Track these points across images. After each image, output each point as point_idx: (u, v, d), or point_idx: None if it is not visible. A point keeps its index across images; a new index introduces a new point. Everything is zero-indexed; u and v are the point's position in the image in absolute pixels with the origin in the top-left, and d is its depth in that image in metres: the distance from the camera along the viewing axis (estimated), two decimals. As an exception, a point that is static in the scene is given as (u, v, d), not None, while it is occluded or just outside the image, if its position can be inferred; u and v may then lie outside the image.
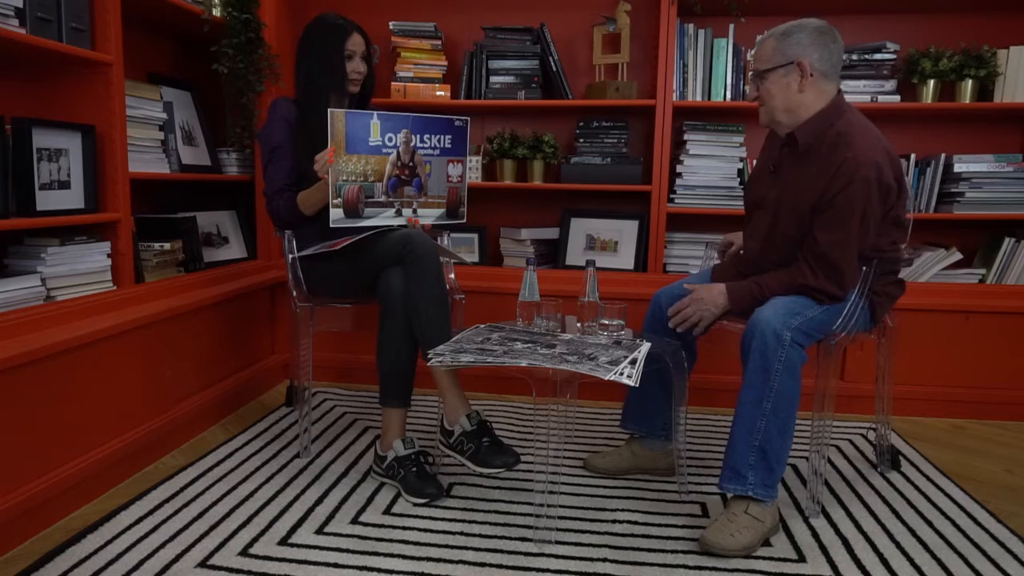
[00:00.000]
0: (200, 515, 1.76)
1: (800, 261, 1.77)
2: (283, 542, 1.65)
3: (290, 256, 2.08)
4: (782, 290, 1.76)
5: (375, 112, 1.93)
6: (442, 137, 2.02)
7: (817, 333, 1.74)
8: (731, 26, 2.69)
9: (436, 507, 1.84)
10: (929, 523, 1.81)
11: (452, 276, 2.30)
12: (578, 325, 1.89)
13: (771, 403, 1.66)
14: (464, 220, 2.13)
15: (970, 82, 2.61)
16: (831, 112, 1.76)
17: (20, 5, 1.73)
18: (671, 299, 1.99)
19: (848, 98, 2.62)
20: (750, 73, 1.99)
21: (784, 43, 1.75)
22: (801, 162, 1.80)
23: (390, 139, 1.94)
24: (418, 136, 1.98)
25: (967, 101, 2.63)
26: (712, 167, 2.74)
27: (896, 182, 1.75)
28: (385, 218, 1.97)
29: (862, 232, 1.72)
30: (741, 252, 2.03)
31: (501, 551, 1.63)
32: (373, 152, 1.92)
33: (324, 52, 2.04)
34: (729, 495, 1.75)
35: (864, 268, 1.78)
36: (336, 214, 1.89)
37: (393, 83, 2.81)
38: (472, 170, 2.84)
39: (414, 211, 2.01)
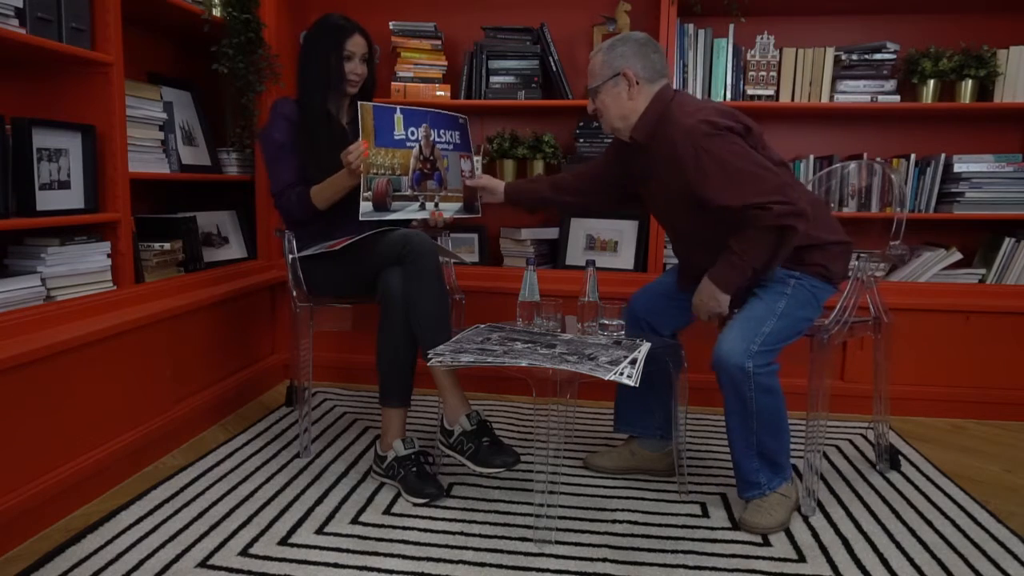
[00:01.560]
0: (200, 515, 1.76)
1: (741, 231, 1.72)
2: (283, 542, 1.65)
3: (290, 256, 2.08)
4: (756, 247, 1.70)
5: (398, 107, 1.96)
6: (453, 133, 2.06)
7: (783, 341, 1.74)
8: (731, 26, 2.69)
9: (436, 507, 1.84)
10: (929, 523, 1.81)
11: (452, 276, 2.30)
12: (578, 325, 1.89)
13: (756, 421, 1.72)
14: (480, 214, 2.15)
15: (970, 82, 2.61)
16: (656, 103, 1.81)
17: (20, 5, 1.73)
18: (646, 301, 2.03)
19: (848, 98, 2.66)
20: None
21: (609, 56, 1.82)
22: (651, 159, 1.84)
23: (412, 133, 1.97)
24: (435, 131, 2.01)
25: (967, 101, 2.63)
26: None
27: (736, 123, 1.71)
28: (410, 212, 1.98)
29: (755, 165, 1.68)
30: None
31: (501, 551, 1.63)
32: (398, 146, 1.94)
33: (323, 52, 2.04)
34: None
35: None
36: (366, 207, 1.89)
37: (393, 83, 2.81)
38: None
39: (436, 205, 2.02)
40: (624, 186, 2.04)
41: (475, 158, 2.11)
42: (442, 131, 2.03)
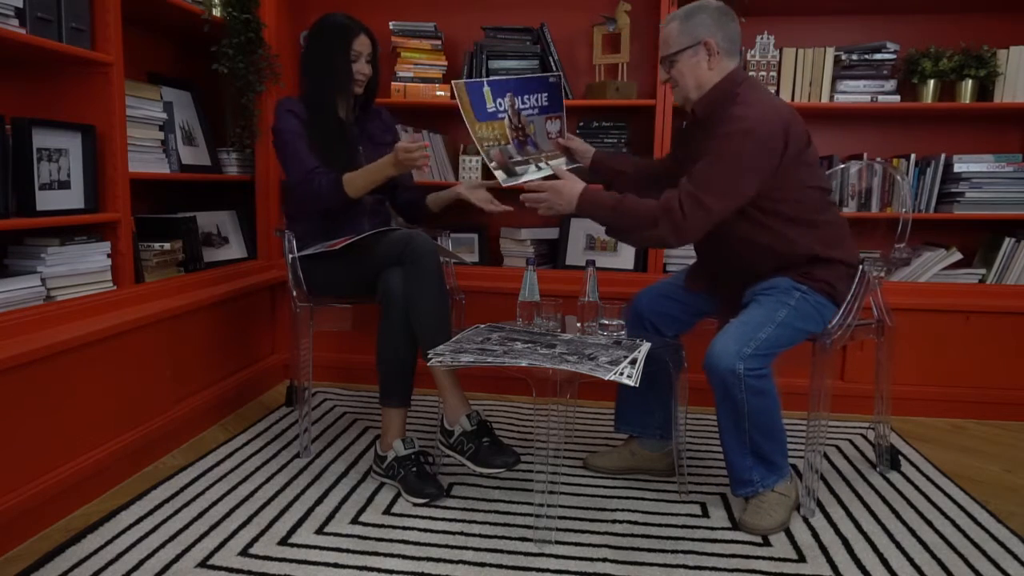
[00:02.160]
0: (200, 515, 1.76)
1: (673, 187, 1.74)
2: (283, 542, 1.65)
3: (290, 256, 2.08)
4: (636, 206, 1.73)
5: (484, 80, 1.95)
6: (539, 96, 2.01)
7: (776, 348, 1.73)
8: (731, 26, 2.69)
9: (436, 507, 1.84)
10: (929, 523, 1.81)
11: (452, 276, 2.30)
12: (578, 325, 1.89)
13: (748, 422, 1.70)
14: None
15: (970, 82, 2.61)
16: (726, 82, 1.80)
17: (20, 5, 1.73)
18: (650, 301, 2.02)
19: (848, 98, 2.66)
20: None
21: (688, 25, 1.78)
22: (701, 132, 1.83)
23: (500, 104, 1.96)
24: (519, 98, 1.99)
25: (967, 101, 2.63)
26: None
27: (783, 140, 1.70)
28: (533, 173, 1.98)
29: (727, 182, 1.68)
30: None
31: (501, 551, 1.63)
32: (492, 118, 1.94)
33: (330, 53, 2.03)
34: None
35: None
36: (501, 175, 1.92)
37: (393, 83, 2.81)
38: (472, 170, 2.85)
39: (547, 163, 2.02)
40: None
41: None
42: (526, 96, 2.00)
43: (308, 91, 2.08)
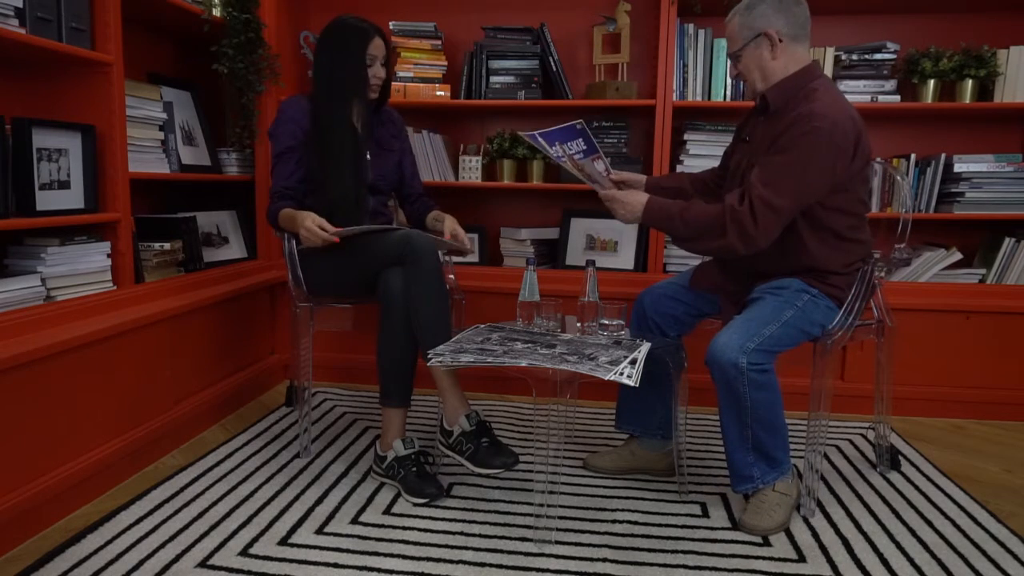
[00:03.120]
0: (200, 515, 1.76)
1: (736, 191, 1.73)
2: (283, 542, 1.65)
3: (290, 256, 2.08)
4: (699, 216, 1.72)
5: (535, 133, 1.90)
6: (577, 142, 1.99)
7: (779, 347, 1.72)
8: (731, 26, 2.69)
9: (436, 507, 1.84)
10: (929, 523, 1.81)
11: (452, 276, 2.30)
12: (578, 325, 1.89)
13: (750, 416, 1.70)
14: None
15: (970, 82, 2.61)
16: (802, 76, 1.79)
17: (20, 5, 1.73)
18: (654, 300, 2.02)
19: (848, 98, 2.65)
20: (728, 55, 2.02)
21: (749, 18, 1.78)
22: (770, 124, 1.81)
23: (556, 152, 1.93)
24: (563, 145, 1.96)
25: (967, 101, 2.63)
26: (712, 167, 2.73)
27: (854, 148, 1.71)
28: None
29: (799, 182, 1.67)
30: None
31: (501, 551, 1.63)
32: (560, 161, 1.92)
33: (346, 57, 2.00)
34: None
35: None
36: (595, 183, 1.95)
37: (393, 83, 2.81)
38: (472, 170, 2.85)
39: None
40: None
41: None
42: (569, 143, 1.98)
43: (318, 95, 2.05)
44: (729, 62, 1.88)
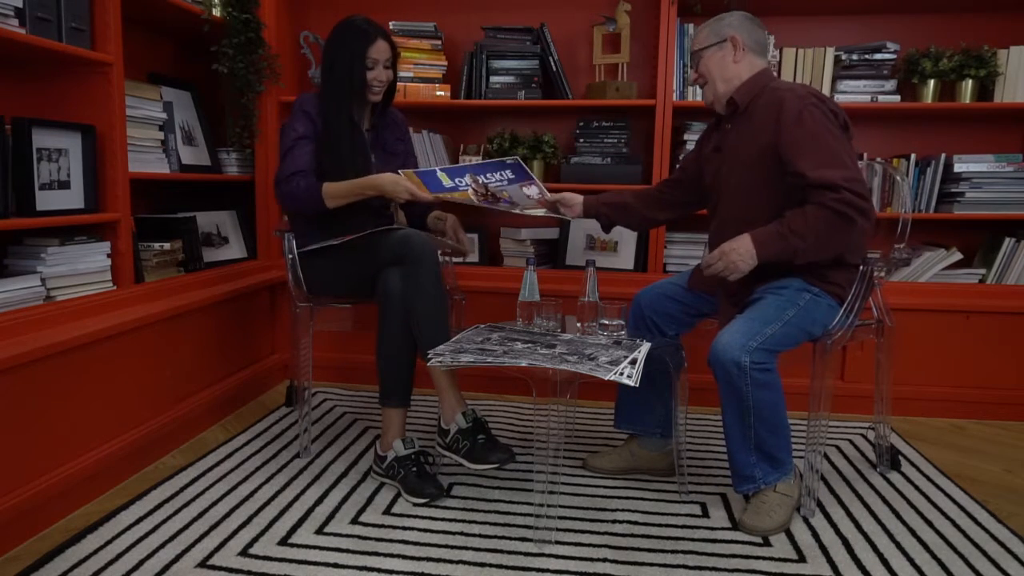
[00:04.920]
0: (200, 515, 1.76)
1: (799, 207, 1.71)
2: (283, 542, 1.65)
3: (290, 256, 2.08)
4: (810, 227, 1.66)
5: (437, 168, 2.02)
6: (503, 173, 2.08)
7: (782, 347, 1.72)
8: (731, 26, 2.69)
9: (436, 507, 1.84)
10: (929, 523, 1.81)
11: (452, 276, 2.30)
12: (578, 325, 1.89)
13: (752, 416, 1.70)
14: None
15: (970, 82, 2.61)
16: (762, 76, 1.88)
17: (20, 5, 1.73)
18: (652, 300, 2.02)
19: (848, 98, 2.66)
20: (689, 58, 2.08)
21: (717, 25, 1.90)
22: (741, 125, 1.87)
23: (460, 181, 2.00)
24: (481, 176, 2.04)
25: (967, 101, 2.63)
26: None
27: (840, 114, 1.76)
28: (516, 209, 2.05)
29: (838, 141, 1.71)
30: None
31: (501, 551, 1.63)
32: (452, 191, 1.98)
33: (347, 59, 2.00)
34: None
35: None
36: (476, 200, 1.97)
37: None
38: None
39: (522, 211, 2.06)
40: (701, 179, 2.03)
41: (539, 183, 2.11)
42: (488, 174, 2.05)
43: (325, 94, 2.05)
44: (691, 66, 1.95)
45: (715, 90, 1.90)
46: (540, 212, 2.10)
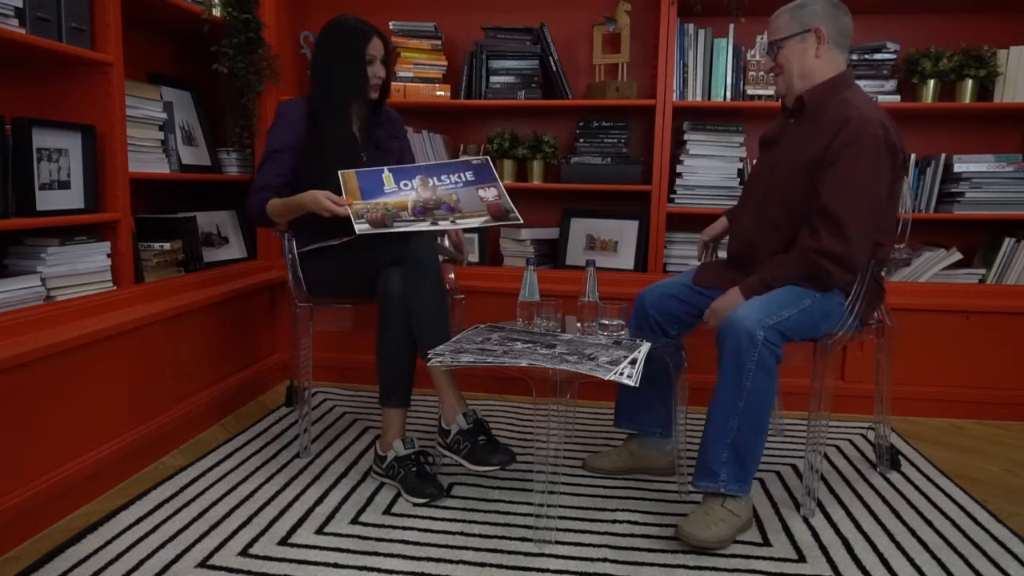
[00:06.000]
0: (200, 515, 1.76)
1: (803, 231, 1.75)
2: (283, 542, 1.65)
3: (290, 256, 2.08)
4: (786, 271, 1.74)
5: (384, 168, 1.96)
6: (462, 174, 2.01)
7: (794, 334, 1.71)
8: (731, 26, 2.69)
9: (436, 507, 1.84)
10: (929, 523, 1.81)
11: (452, 276, 2.30)
12: (578, 325, 1.89)
13: (744, 402, 1.66)
14: (521, 221, 1.99)
15: (970, 82, 2.61)
16: (840, 81, 1.83)
17: (20, 5, 1.73)
18: (655, 299, 2.01)
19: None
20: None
21: (799, 13, 1.81)
22: (803, 125, 1.83)
23: (406, 184, 1.94)
24: (434, 178, 1.97)
25: (967, 101, 2.63)
26: (712, 167, 2.74)
27: (900, 153, 1.76)
28: (420, 226, 1.87)
29: (872, 196, 1.71)
30: (725, 240, 2.04)
31: (501, 551, 1.63)
32: (391, 196, 1.91)
33: (345, 58, 1.99)
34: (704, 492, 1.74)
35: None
36: (362, 227, 1.82)
37: (393, 83, 2.81)
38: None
39: (452, 222, 1.93)
40: None
41: (501, 187, 2.02)
42: (444, 176, 1.99)
43: (316, 98, 2.04)
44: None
45: (790, 84, 1.85)
46: (479, 221, 1.94)
